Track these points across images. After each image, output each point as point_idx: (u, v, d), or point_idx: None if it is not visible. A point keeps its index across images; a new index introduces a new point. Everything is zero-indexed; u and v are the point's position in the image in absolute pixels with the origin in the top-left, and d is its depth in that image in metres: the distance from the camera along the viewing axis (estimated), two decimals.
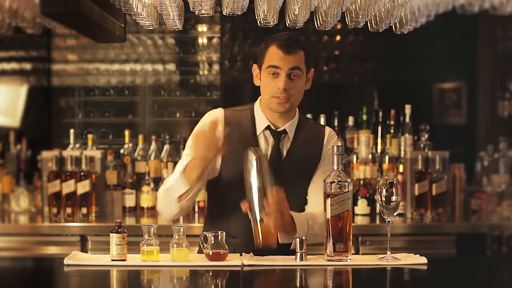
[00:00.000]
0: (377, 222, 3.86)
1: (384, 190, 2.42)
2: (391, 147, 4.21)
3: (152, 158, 4.36)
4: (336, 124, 4.38)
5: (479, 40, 5.28)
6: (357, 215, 3.99)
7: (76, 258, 2.45)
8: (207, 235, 2.40)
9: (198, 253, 2.68)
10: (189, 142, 2.71)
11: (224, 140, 2.52)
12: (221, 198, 2.75)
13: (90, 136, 4.41)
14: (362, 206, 4.01)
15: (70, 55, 5.61)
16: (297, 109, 2.79)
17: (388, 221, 2.46)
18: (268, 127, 2.72)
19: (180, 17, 2.52)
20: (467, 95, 5.42)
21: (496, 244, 3.79)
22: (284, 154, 2.71)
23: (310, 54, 2.71)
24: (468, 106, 5.40)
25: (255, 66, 2.74)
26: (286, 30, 2.75)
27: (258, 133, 2.72)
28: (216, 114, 2.74)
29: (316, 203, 2.66)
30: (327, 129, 2.82)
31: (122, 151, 4.45)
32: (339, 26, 5.22)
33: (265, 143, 2.72)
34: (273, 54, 2.64)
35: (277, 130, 2.72)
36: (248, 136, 2.70)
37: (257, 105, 2.76)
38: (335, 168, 2.40)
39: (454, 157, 4.16)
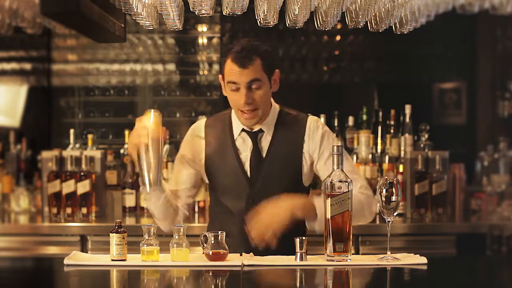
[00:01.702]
0: (377, 222, 3.85)
1: (384, 190, 2.42)
2: (391, 147, 4.21)
3: None
4: (336, 124, 4.38)
5: (479, 40, 5.28)
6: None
7: (76, 258, 2.45)
8: (207, 235, 2.41)
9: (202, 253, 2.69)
10: (182, 145, 2.87)
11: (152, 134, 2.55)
12: (212, 200, 2.87)
13: (90, 136, 4.41)
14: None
15: (70, 55, 5.61)
16: (274, 104, 2.79)
17: (388, 221, 2.46)
18: (243, 130, 2.76)
19: (180, 17, 2.52)
20: (467, 95, 5.42)
21: (496, 244, 3.79)
22: (264, 153, 2.74)
23: (270, 57, 2.70)
24: (468, 106, 5.40)
25: (220, 76, 2.78)
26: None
27: (235, 137, 2.76)
28: (197, 126, 2.85)
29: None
30: (310, 120, 2.79)
31: (122, 151, 4.45)
32: (339, 26, 5.22)
33: (244, 145, 2.76)
34: (230, 69, 2.65)
35: (253, 131, 2.75)
36: (227, 141, 2.77)
37: (233, 111, 2.80)
38: (335, 168, 2.40)
39: (454, 157, 4.16)
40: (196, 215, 4.12)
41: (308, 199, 2.68)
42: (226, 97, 2.76)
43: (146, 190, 2.61)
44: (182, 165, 2.81)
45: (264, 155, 2.74)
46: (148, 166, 2.56)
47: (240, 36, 5.32)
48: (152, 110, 2.59)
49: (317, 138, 2.74)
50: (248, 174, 2.73)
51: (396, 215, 2.48)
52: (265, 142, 2.75)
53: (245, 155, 2.74)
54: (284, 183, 2.72)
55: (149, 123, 2.55)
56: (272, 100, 2.80)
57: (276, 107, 2.80)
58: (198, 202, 4.15)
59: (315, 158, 2.74)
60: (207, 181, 2.83)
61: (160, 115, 2.59)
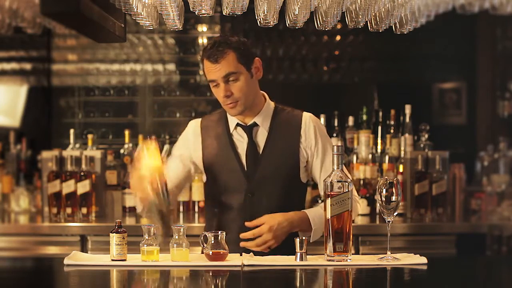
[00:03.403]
0: (377, 222, 3.85)
1: (384, 190, 2.42)
2: (391, 147, 4.21)
3: None
4: (336, 124, 4.38)
5: (479, 40, 5.28)
6: (357, 215, 3.99)
7: (76, 258, 2.45)
8: (207, 235, 2.41)
9: (201, 253, 2.70)
10: (177, 144, 2.89)
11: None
12: (209, 197, 2.87)
13: (90, 136, 4.41)
14: (362, 206, 4.00)
15: (70, 55, 5.61)
16: (266, 100, 2.81)
17: (388, 221, 2.46)
18: (238, 124, 2.77)
19: (180, 17, 2.52)
20: (467, 95, 5.42)
21: (496, 244, 3.79)
22: (261, 147, 2.75)
23: (245, 48, 2.70)
24: (468, 106, 5.40)
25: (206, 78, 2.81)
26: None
27: (231, 132, 2.78)
28: (193, 124, 2.87)
29: None
30: (305, 115, 2.81)
31: (122, 151, 4.45)
32: (339, 26, 5.22)
33: (240, 140, 2.77)
34: (206, 68, 2.69)
35: (247, 125, 2.76)
36: (223, 136, 2.78)
37: None
38: (335, 168, 2.40)
39: (454, 157, 4.16)
40: (196, 215, 4.13)
41: (303, 213, 2.70)
42: None
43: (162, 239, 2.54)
44: (175, 162, 2.81)
45: (261, 149, 2.75)
46: (159, 218, 2.48)
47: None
48: (149, 141, 2.52)
49: (312, 135, 2.76)
50: (245, 168, 2.73)
51: (396, 215, 2.48)
52: (262, 136, 2.76)
53: (242, 149, 2.76)
54: (282, 178, 2.74)
55: (149, 169, 2.47)
56: (266, 95, 2.82)
57: (271, 103, 2.82)
58: (198, 202, 4.15)
59: (310, 154, 2.76)
60: (205, 179, 2.84)
61: (156, 145, 2.53)
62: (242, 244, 2.62)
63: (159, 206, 2.44)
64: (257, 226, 2.63)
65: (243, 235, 2.63)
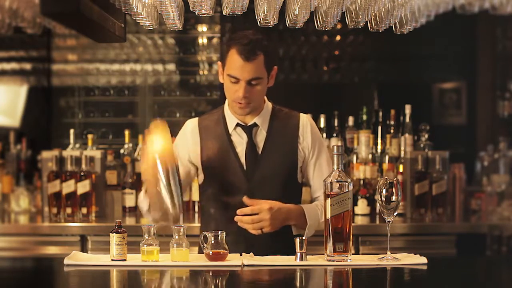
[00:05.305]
0: (377, 222, 3.85)
1: (384, 190, 2.42)
2: (391, 147, 4.21)
3: None
4: (336, 124, 4.38)
5: (479, 40, 5.28)
6: (357, 215, 3.99)
7: (76, 258, 2.45)
8: (207, 235, 2.41)
9: (198, 253, 2.69)
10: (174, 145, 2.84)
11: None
12: (207, 198, 2.84)
13: (90, 136, 4.41)
14: (362, 206, 4.01)
15: (70, 55, 5.61)
16: (265, 101, 2.81)
17: (388, 221, 2.46)
18: (238, 124, 2.77)
19: (180, 17, 2.53)
20: (467, 95, 5.42)
21: (496, 244, 3.79)
22: (261, 148, 2.75)
23: (272, 54, 2.73)
24: (468, 106, 5.41)
25: (219, 63, 2.78)
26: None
27: (230, 132, 2.77)
28: (191, 124, 2.85)
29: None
30: (302, 117, 2.83)
31: (122, 151, 4.45)
32: (339, 26, 5.22)
33: (239, 140, 2.77)
34: (233, 61, 2.64)
35: (248, 125, 2.76)
36: (222, 136, 2.78)
37: (226, 105, 2.82)
38: (335, 168, 2.40)
39: (454, 157, 4.16)
40: (196, 215, 4.12)
41: (300, 207, 2.72)
42: (225, 97, 2.76)
43: (171, 217, 2.53)
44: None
45: (260, 149, 2.75)
46: (170, 196, 2.48)
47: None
48: (158, 120, 2.55)
49: (309, 136, 2.79)
50: (245, 168, 2.73)
51: (396, 215, 2.48)
52: (261, 136, 2.77)
53: (241, 149, 2.75)
54: (281, 178, 2.75)
55: (159, 148, 2.49)
56: (265, 97, 2.82)
57: (269, 104, 2.83)
58: (198, 202, 4.15)
59: (307, 154, 2.78)
60: (201, 179, 2.82)
61: (165, 124, 2.55)
62: (236, 218, 2.62)
63: (169, 190, 2.46)
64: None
65: (240, 211, 2.62)
